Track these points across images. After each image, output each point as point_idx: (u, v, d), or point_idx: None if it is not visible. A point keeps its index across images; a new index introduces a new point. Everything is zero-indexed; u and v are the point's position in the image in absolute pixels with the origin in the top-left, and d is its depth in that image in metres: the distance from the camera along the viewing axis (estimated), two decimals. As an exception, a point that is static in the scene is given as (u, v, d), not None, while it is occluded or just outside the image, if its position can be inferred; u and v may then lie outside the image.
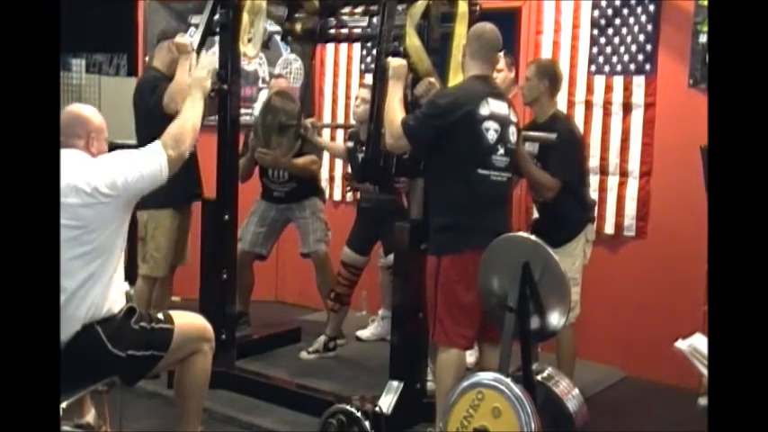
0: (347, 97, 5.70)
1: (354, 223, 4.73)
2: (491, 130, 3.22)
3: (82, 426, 3.28)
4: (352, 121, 4.88)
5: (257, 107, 4.40)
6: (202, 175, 4.35)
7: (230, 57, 4.08)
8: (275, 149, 4.47)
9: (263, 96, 4.59)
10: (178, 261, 4.38)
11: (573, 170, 3.82)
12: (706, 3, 4.14)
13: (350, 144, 4.63)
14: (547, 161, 3.76)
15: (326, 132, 5.59)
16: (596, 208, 4.47)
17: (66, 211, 2.70)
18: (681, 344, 2.49)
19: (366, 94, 4.20)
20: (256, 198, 4.93)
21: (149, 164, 2.88)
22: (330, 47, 5.68)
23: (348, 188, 5.20)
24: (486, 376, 2.92)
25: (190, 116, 3.10)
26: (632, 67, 4.58)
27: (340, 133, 5.68)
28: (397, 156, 3.48)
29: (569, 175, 3.78)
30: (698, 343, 2.41)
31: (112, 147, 3.08)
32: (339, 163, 5.66)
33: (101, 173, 2.79)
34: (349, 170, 4.90)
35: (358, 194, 4.91)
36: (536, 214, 4.20)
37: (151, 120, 4.10)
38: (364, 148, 3.57)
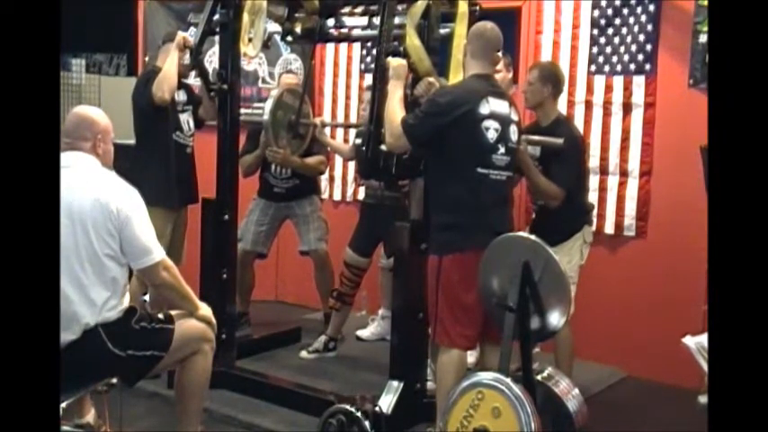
0: (347, 97, 5.70)
1: (358, 223, 4.73)
2: (491, 129, 3.21)
3: (82, 426, 3.28)
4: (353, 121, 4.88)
5: (267, 104, 4.39)
6: (203, 174, 4.35)
7: (230, 57, 4.09)
8: (284, 147, 4.48)
9: (272, 93, 4.57)
10: (174, 262, 4.37)
11: (576, 177, 3.83)
12: (706, 3, 4.14)
13: (358, 141, 4.62)
14: (549, 166, 3.76)
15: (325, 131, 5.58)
16: (596, 208, 4.47)
17: (80, 219, 2.78)
18: (689, 340, 2.49)
19: None
20: (253, 196, 4.93)
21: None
22: (330, 47, 5.67)
23: (361, 184, 5.20)
24: (486, 376, 2.92)
25: None
26: (632, 67, 4.58)
27: (339, 134, 5.69)
28: (397, 155, 3.48)
29: (573, 183, 3.79)
30: (706, 341, 2.41)
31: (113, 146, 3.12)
32: (339, 163, 5.66)
33: (129, 223, 2.87)
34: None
35: (359, 194, 4.91)
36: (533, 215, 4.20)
37: (145, 113, 4.12)
38: (365, 148, 3.57)
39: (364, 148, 3.58)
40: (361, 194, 5.00)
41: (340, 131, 5.70)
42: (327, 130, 5.54)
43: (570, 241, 3.84)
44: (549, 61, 4.64)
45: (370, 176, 4.26)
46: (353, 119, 5.51)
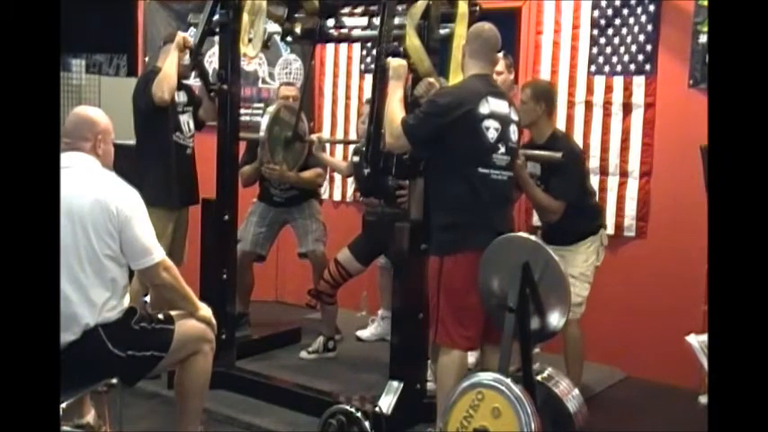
0: (347, 98, 5.70)
1: (361, 233, 4.72)
2: (491, 129, 3.21)
3: (82, 426, 3.28)
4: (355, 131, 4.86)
5: (264, 121, 4.40)
6: (203, 174, 4.35)
7: (230, 57, 4.08)
8: (281, 162, 4.49)
9: (269, 110, 4.57)
10: (175, 263, 4.37)
11: (576, 189, 3.85)
12: (706, 3, 4.14)
13: (356, 159, 4.60)
14: (549, 181, 3.77)
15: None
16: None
17: (80, 219, 2.78)
18: (692, 338, 2.49)
19: None
20: (253, 199, 4.94)
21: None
22: (330, 47, 5.67)
23: (361, 201, 5.19)
24: (486, 376, 2.91)
25: None
26: (632, 67, 4.58)
27: (338, 147, 5.69)
28: (396, 156, 3.48)
29: (572, 196, 3.80)
30: None
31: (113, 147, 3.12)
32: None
33: (129, 223, 2.86)
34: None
35: (359, 195, 4.90)
36: (538, 220, 4.21)
37: (145, 113, 4.12)
38: (365, 149, 3.56)
39: (365, 149, 3.57)
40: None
41: (338, 145, 5.70)
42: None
43: (588, 241, 3.89)
44: (542, 79, 4.64)
45: (370, 194, 4.26)
46: (353, 120, 5.51)
